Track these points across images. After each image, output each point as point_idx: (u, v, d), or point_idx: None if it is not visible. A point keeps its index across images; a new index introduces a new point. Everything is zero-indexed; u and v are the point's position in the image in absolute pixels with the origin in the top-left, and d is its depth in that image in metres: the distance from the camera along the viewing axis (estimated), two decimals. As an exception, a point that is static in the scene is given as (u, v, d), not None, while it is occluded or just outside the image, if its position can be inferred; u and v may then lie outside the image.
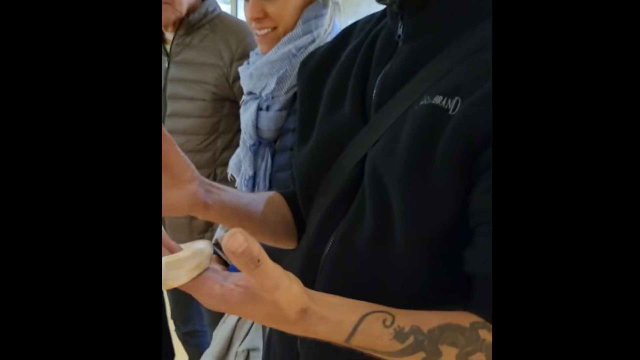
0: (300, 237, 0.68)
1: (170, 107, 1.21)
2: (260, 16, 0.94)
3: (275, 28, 0.96)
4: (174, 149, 0.53)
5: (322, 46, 0.67)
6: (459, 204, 0.46)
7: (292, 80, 0.95)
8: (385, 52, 0.56)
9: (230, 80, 1.17)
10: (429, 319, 0.45)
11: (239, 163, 1.06)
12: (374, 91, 0.55)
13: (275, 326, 0.44)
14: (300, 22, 0.95)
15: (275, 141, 1.01)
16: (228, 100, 1.20)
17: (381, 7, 0.58)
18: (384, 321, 0.44)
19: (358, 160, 0.53)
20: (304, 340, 0.55)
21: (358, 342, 0.45)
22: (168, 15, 1.15)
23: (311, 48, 0.94)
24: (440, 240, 0.47)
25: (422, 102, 0.49)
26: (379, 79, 0.55)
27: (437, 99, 0.47)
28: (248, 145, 1.01)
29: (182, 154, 0.55)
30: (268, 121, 0.98)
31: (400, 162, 0.47)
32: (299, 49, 0.94)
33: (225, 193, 0.59)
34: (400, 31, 0.54)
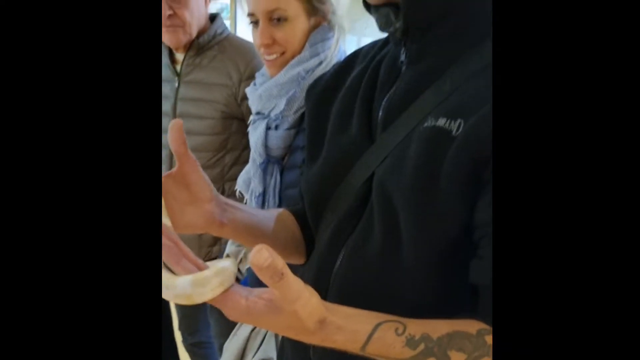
0: (309, 253, 0.71)
1: (180, 125, 1.25)
2: (270, 42, 0.98)
3: (283, 53, 1.00)
4: (196, 169, 0.56)
5: (328, 71, 0.71)
6: (464, 218, 0.49)
7: (300, 101, 0.99)
8: (390, 76, 0.59)
9: (239, 99, 1.21)
10: (438, 327, 0.47)
11: (248, 180, 1.10)
12: (380, 113, 0.58)
13: (295, 336, 0.46)
14: (307, 46, 0.99)
15: (283, 159, 1.05)
16: (236, 118, 1.24)
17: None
18: (396, 330, 0.47)
19: (366, 179, 0.56)
20: (316, 349, 0.58)
21: (372, 350, 0.47)
22: (180, 37, 1.19)
23: (319, 70, 0.98)
24: (447, 252, 0.50)
25: (426, 124, 0.52)
26: (384, 101, 0.58)
27: (441, 121, 0.50)
28: (258, 163, 1.05)
29: (204, 173, 0.58)
30: (277, 140, 1.02)
31: (408, 180, 0.50)
32: (307, 72, 0.99)
33: (239, 211, 0.62)
34: (403, 56, 0.57)
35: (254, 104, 1.07)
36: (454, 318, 0.48)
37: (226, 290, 0.42)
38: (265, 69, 1.07)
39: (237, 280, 1.08)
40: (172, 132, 0.54)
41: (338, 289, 0.56)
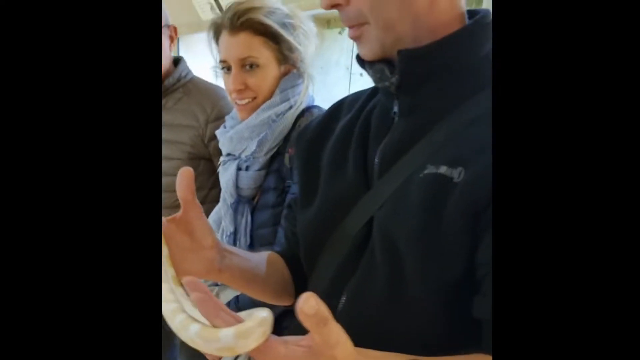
0: (297, 294, 0.73)
1: (147, 166, 1.25)
2: (242, 88, 1.02)
3: (255, 98, 1.04)
4: (200, 215, 0.58)
5: (315, 120, 0.74)
6: (467, 257, 0.51)
7: (271, 143, 1.03)
8: (383, 126, 0.62)
9: (206, 140, 1.23)
10: None
11: (219, 220, 1.11)
12: (376, 160, 0.60)
13: None
14: (278, 91, 1.04)
15: (254, 199, 1.08)
16: (203, 159, 1.25)
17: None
18: None
19: (364, 223, 0.58)
20: None
21: None
22: None
23: (289, 114, 1.03)
24: (451, 291, 0.52)
25: (426, 171, 0.54)
26: (379, 149, 0.60)
27: (442, 169, 0.53)
28: (229, 203, 1.07)
29: (207, 220, 0.59)
30: (248, 180, 1.05)
31: (412, 224, 0.53)
32: (277, 115, 1.03)
33: (236, 257, 0.64)
34: (396, 108, 0.60)
35: (224, 146, 1.10)
36: (462, 353, 0.50)
37: (266, 340, 0.42)
38: (235, 112, 1.10)
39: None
40: (181, 179, 0.56)
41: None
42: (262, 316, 0.42)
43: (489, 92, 0.55)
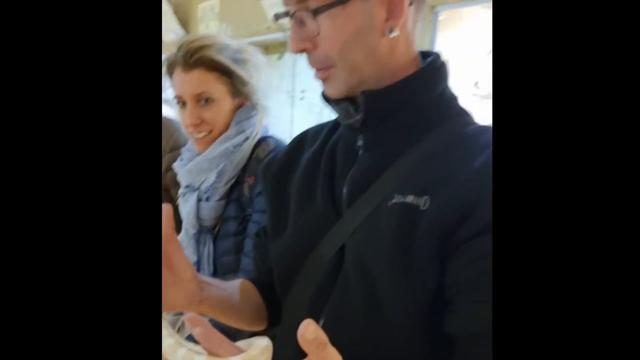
0: (271, 319, 0.76)
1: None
2: (198, 122, 1.06)
3: (211, 131, 1.08)
4: (179, 250, 0.60)
5: (279, 152, 0.79)
6: (438, 279, 0.54)
7: (230, 173, 1.07)
8: (348, 159, 0.66)
9: (163, 172, 1.25)
10: None
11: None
12: (344, 191, 0.64)
13: None
14: (233, 123, 1.08)
15: (214, 228, 1.11)
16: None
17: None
18: None
19: (337, 250, 0.62)
20: None
21: None
22: None
23: (245, 145, 1.08)
24: (425, 311, 0.55)
25: (394, 200, 0.58)
26: (347, 180, 0.64)
27: (409, 198, 0.57)
28: (191, 233, 1.10)
29: (185, 254, 0.61)
30: (209, 210, 1.08)
31: (384, 250, 0.56)
32: (234, 146, 1.07)
33: (213, 287, 0.67)
34: (360, 142, 0.65)
35: (183, 178, 1.12)
36: None
37: None
38: (191, 145, 1.14)
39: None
40: (164, 215, 0.58)
41: None
42: (264, 344, 0.46)
43: (443, 128, 0.61)
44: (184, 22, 2.57)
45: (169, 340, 0.51)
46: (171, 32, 2.61)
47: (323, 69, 0.62)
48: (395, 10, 0.59)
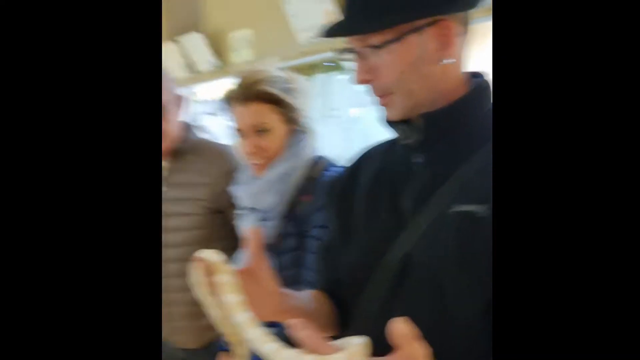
0: (341, 325, 0.82)
1: (169, 223, 1.36)
2: (256, 150, 1.17)
3: (267, 157, 1.18)
4: (266, 266, 0.68)
5: (343, 172, 0.86)
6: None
7: (287, 193, 1.17)
8: (409, 174, 0.72)
9: (220, 195, 1.35)
10: None
11: (243, 267, 1.23)
12: (407, 203, 0.70)
13: None
14: (287, 148, 1.19)
15: (274, 245, 1.20)
16: (218, 212, 1.36)
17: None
18: None
19: (403, 257, 0.68)
20: None
21: None
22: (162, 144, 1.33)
23: (300, 167, 1.17)
24: (482, 312, 0.61)
25: (454, 209, 0.64)
26: (408, 193, 0.70)
27: (469, 207, 0.63)
28: (252, 251, 1.20)
29: (271, 269, 0.69)
30: (269, 229, 1.18)
31: (448, 255, 0.62)
32: (291, 169, 1.17)
33: (292, 299, 0.74)
34: (418, 159, 0.72)
35: (242, 200, 1.23)
36: None
37: None
38: (247, 169, 1.24)
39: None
40: (253, 236, 0.68)
41: None
42: (363, 342, 0.52)
43: (490, 146, 0.67)
44: (218, 51, 2.69)
45: (272, 345, 0.56)
46: (205, 63, 2.75)
47: (383, 96, 0.70)
48: (446, 42, 0.67)
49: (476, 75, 0.74)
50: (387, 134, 0.88)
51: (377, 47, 0.67)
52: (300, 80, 1.24)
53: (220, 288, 0.64)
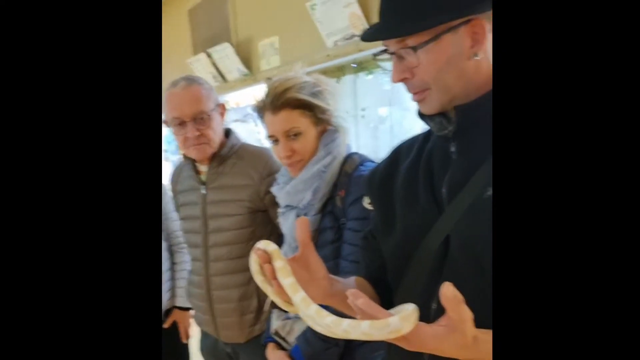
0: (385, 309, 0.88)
1: (212, 224, 1.45)
2: (290, 154, 1.23)
3: (302, 159, 1.24)
4: (314, 253, 0.73)
5: (379, 165, 0.90)
6: None
7: (323, 190, 1.23)
8: (444, 164, 0.76)
9: (262, 195, 1.43)
10: None
11: (285, 261, 1.30)
12: (443, 190, 0.74)
13: (457, 352, 0.57)
14: (321, 147, 1.24)
15: (313, 239, 1.27)
16: (260, 211, 1.44)
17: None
18: None
19: (442, 240, 0.71)
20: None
21: None
22: (207, 151, 1.42)
23: (334, 164, 1.23)
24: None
25: (489, 193, 0.67)
26: (445, 181, 0.74)
27: None
28: (293, 246, 1.26)
29: (319, 257, 0.74)
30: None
31: (487, 234, 0.63)
32: (325, 167, 1.23)
33: (339, 284, 0.79)
34: (453, 149, 0.75)
35: (282, 199, 1.30)
36: None
37: (416, 325, 0.57)
38: (284, 170, 1.31)
39: (285, 350, 1.25)
40: (300, 226, 0.73)
41: None
42: (413, 307, 0.58)
43: None
44: (246, 59, 2.79)
45: (330, 318, 0.63)
46: (235, 71, 2.86)
47: (419, 92, 0.74)
48: (478, 39, 0.72)
49: None
50: (414, 131, 0.93)
51: (415, 47, 0.70)
52: (328, 82, 1.29)
53: (278, 272, 0.71)
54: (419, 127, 0.86)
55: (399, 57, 0.74)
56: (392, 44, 0.73)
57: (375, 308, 0.57)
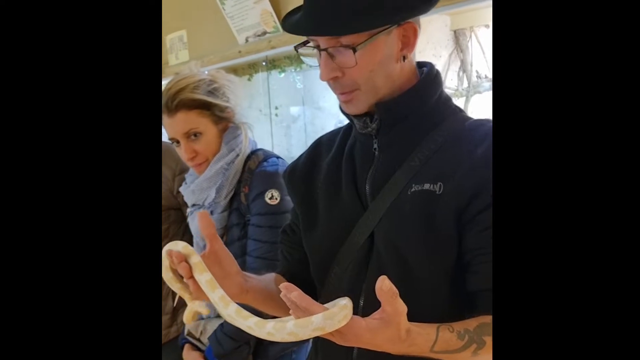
0: None
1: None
2: (193, 155, 1.19)
3: (206, 159, 1.21)
4: (224, 247, 0.71)
5: (299, 159, 0.89)
6: (456, 246, 0.66)
7: (227, 187, 1.20)
8: (367, 160, 0.77)
9: (175, 192, 1.38)
10: (469, 323, 0.62)
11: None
12: (367, 187, 0.74)
13: (391, 346, 0.57)
14: (223, 145, 1.22)
15: (222, 237, 1.23)
16: (173, 209, 1.39)
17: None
18: (448, 329, 0.61)
19: (367, 236, 0.72)
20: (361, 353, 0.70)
21: (438, 348, 0.59)
22: None
23: (237, 161, 1.21)
24: (448, 272, 0.66)
25: (413, 189, 0.69)
26: (367, 177, 0.75)
27: (426, 186, 0.68)
28: (201, 245, 1.22)
29: (229, 252, 0.71)
30: (215, 223, 1.20)
31: (411, 229, 0.67)
32: (228, 164, 1.21)
33: (253, 280, 0.77)
34: (376, 146, 0.76)
35: (189, 199, 1.25)
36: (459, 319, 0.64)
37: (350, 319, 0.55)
38: (192, 170, 1.26)
39: (200, 350, 1.21)
40: (202, 220, 0.70)
41: None
42: (342, 303, 0.56)
43: (445, 125, 0.73)
44: (154, 53, 2.66)
45: (253, 319, 0.61)
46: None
47: (347, 93, 0.73)
48: (408, 42, 0.72)
49: (424, 65, 0.78)
50: (327, 130, 0.92)
51: (354, 48, 0.68)
52: (227, 77, 1.26)
53: (194, 268, 0.67)
54: (332, 126, 0.85)
55: (329, 55, 0.71)
56: (324, 41, 0.70)
57: (309, 301, 0.56)
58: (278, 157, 1.24)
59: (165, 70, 2.60)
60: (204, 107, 1.18)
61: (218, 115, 1.21)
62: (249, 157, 1.23)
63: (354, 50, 0.68)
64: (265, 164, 1.21)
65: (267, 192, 1.16)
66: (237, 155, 1.22)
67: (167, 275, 0.72)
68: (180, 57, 2.52)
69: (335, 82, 0.73)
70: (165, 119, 1.19)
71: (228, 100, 1.22)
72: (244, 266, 1.17)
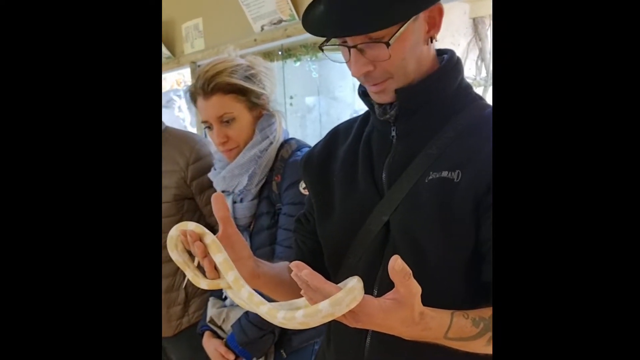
0: None
1: (137, 213, 1.36)
2: (225, 140, 1.18)
3: (238, 145, 1.20)
4: (237, 231, 0.70)
5: (316, 147, 0.88)
6: (474, 236, 0.65)
7: (259, 175, 1.19)
8: (384, 148, 0.75)
9: (188, 181, 1.36)
10: (484, 312, 0.61)
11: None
12: (383, 175, 0.73)
13: (404, 329, 0.56)
14: (257, 132, 1.20)
15: (250, 225, 1.24)
16: (187, 198, 1.37)
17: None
18: (463, 315, 0.60)
19: (383, 225, 0.71)
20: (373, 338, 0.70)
21: (452, 334, 0.58)
22: None
23: (270, 149, 1.20)
24: (464, 262, 0.65)
25: (431, 177, 0.67)
26: (385, 166, 0.74)
27: (444, 174, 0.67)
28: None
29: (242, 235, 0.70)
30: (244, 210, 1.20)
31: (427, 217, 0.66)
32: (261, 152, 1.20)
33: (266, 266, 0.77)
34: (394, 133, 0.75)
35: (218, 185, 1.24)
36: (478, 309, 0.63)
37: (362, 298, 0.54)
38: (221, 156, 1.26)
39: (221, 338, 1.21)
40: (216, 202, 0.69)
41: None
42: (351, 285, 0.55)
43: (465, 113, 0.72)
44: (169, 42, 2.66)
45: (264, 307, 0.60)
46: (156, 53, 2.71)
47: (379, 84, 0.71)
48: (434, 23, 0.71)
49: (444, 52, 0.77)
50: (342, 120, 0.90)
51: (387, 42, 0.66)
52: (264, 64, 1.25)
53: (210, 248, 0.66)
54: (347, 116, 0.84)
55: (359, 51, 0.69)
56: (352, 38, 0.69)
57: (320, 280, 0.55)
58: (310, 147, 1.23)
59: (180, 59, 2.59)
60: (240, 92, 1.17)
61: (253, 102, 1.20)
62: (281, 146, 1.22)
63: (387, 45, 0.66)
64: (298, 153, 1.19)
65: (301, 182, 1.14)
66: (271, 143, 1.21)
67: (174, 255, 0.70)
68: (195, 45, 2.51)
69: (366, 77, 0.72)
70: (200, 102, 1.18)
71: (264, 87, 1.21)
72: (272, 255, 1.17)
